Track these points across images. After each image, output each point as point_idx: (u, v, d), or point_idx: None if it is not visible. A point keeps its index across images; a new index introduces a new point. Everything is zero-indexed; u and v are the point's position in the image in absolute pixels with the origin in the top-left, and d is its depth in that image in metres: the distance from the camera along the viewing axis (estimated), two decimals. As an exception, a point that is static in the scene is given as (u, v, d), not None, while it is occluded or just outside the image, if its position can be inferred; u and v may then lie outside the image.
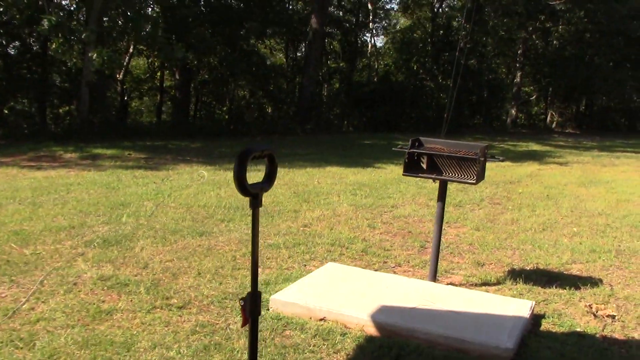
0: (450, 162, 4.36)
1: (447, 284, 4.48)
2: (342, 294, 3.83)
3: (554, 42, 35.57)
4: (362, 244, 5.47)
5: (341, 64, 30.25)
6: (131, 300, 3.73)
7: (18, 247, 4.72)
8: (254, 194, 2.31)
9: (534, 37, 33.61)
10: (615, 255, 5.50)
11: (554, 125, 33.40)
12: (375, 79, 30.90)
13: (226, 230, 5.67)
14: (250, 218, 6.09)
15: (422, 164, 4.50)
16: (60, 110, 18.46)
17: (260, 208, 2.36)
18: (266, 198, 7.44)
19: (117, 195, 7.17)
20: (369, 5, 32.63)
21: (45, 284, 3.96)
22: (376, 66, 35.73)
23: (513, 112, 33.08)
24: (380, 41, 42.98)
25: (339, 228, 6.01)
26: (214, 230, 5.64)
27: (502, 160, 4.41)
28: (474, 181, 4.20)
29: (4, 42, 15.58)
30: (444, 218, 5.20)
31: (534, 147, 20.18)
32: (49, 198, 6.73)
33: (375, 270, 4.64)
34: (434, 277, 4.39)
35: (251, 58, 19.42)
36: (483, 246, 5.66)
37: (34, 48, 16.18)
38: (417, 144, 4.48)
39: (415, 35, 31.82)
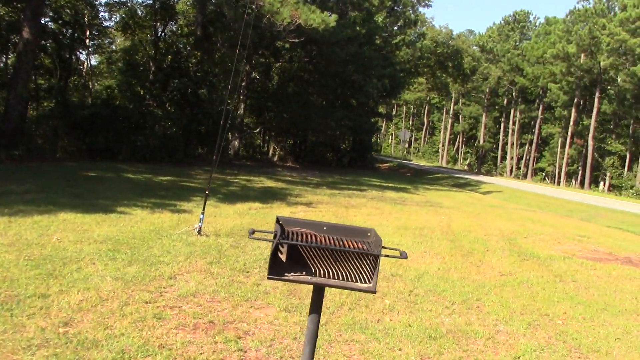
0: (322, 255, 3.10)
1: None
2: None
3: (275, 77, 36.71)
4: (164, 354, 3.87)
5: (53, 81, 26.90)
6: None
7: None
8: None
9: (254, 72, 34.07)
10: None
11: (275, 158, 34.15)
12: (89, 100, 28.08)
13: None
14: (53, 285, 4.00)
15: (279, 255, 3.16)
16: None
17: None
18: (-8, 273, 5.30)
19: None
20: (85, 19, 29.81)
21: None
22: (92, 86, 32.82)
23: (236, 143, 32.96)
24: (94, 60, 39.93)
25: (117, 325, 4.29)
26: None
27: (405, 257, 3.26)
28: (370, 285, 2.98)
29: None
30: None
31: (268, 183, 19.86)
32: None
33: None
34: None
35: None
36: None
37: None
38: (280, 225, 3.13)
39: (137, 57, 29.90)
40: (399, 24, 46.16)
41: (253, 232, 3.09)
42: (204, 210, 8.36)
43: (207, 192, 8.57)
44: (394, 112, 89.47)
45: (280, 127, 33.87)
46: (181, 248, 7.17)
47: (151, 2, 31.07)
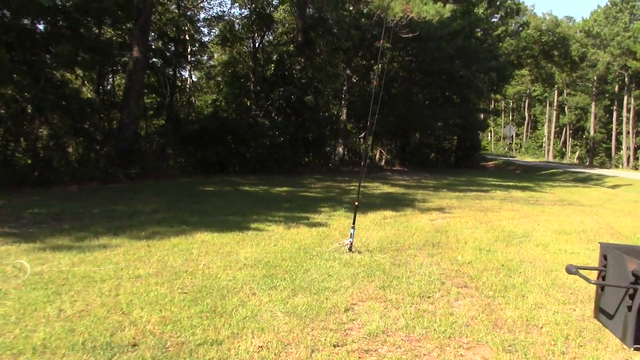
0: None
1: None
2: None
3: (374, 78, 35.65)
4: None
5: (159, 99, 27.17)
6: None
7: None
8: None
9: (352, 76, 33.09)
10: None
11: (382, 162, 33.07)
12: (193, 116, 28.07)
13: None
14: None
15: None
16: None
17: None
18: (149, 312, 4.54)
19: None
20: (186, 35, 29.96)
21: None
22: (194, 101, 32.99)
23: (340, 149, 32.10)
24: (194, 76, 40.25)
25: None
26: None
27: None
28: None
29: None
30: None
31: (386, 188, 18.83)
32: None
33: None
34: None
35: (62, 90, 15.68)
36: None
37: None
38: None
39: (237, 69, 29.69)
40: (499, 15, 43.96)
41: (576, 270, 2.02)
42: (354, 224, 7.40)
43: (356, 204, 7.63)
44: (491, 108, 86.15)
45: (386, 130, 32.72)
46: (340, 270, 6.23)
47: (248, 13, 30.90)
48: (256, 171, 22.29)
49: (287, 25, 31.73)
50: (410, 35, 18.48)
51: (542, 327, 4.66)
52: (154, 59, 24.74)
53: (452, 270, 6.58)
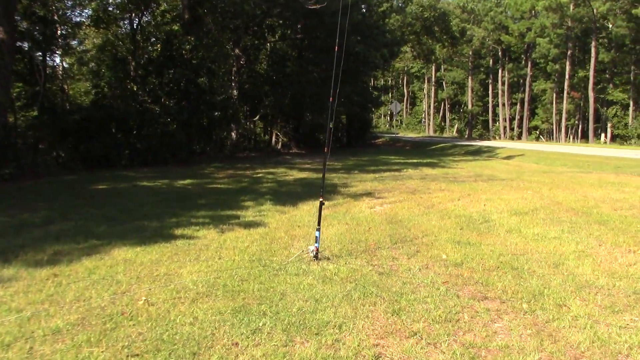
0: None
1: None
2: None
3: (263, 58, 34.08)
4: None
5: (28, 88, 24.23)
6: None
7: None
8: None
9: (241, 57, 31.27)
10: None
11: (279, 145, 31.66)
12: (67, 106, 25.25)
13: None
14: None
15: None
16: None
17: None
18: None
19: None
20: (55, 15, 26.81)
21: None
22: (67, 89, 30.00)
23: (233, 135, 30.31)
24: (65, 63, 36.55)
25: None
26: None
27: None
28: None
29: None
30: None
31: (296, 174, 17.54)
32: None
33: None
34: None
35: None
36: None
37: None
38: None
39: (117, 52, 26.99)
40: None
41: None
42: (319, 225, 6.03)
43: (321, 200, 6.25)
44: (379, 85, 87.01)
45: (283, 112, 31.24)
46: (324, 289, 4.85)
47: (123, -9, 28.05)
48: (148, 163, 20.17)
49: (167, 3, 29.29)
50: (318, 6, 17.18)
51: (628, 355, 3.56)
52: (20, 43, 21.73)
53: (451, 275, 5.40)
